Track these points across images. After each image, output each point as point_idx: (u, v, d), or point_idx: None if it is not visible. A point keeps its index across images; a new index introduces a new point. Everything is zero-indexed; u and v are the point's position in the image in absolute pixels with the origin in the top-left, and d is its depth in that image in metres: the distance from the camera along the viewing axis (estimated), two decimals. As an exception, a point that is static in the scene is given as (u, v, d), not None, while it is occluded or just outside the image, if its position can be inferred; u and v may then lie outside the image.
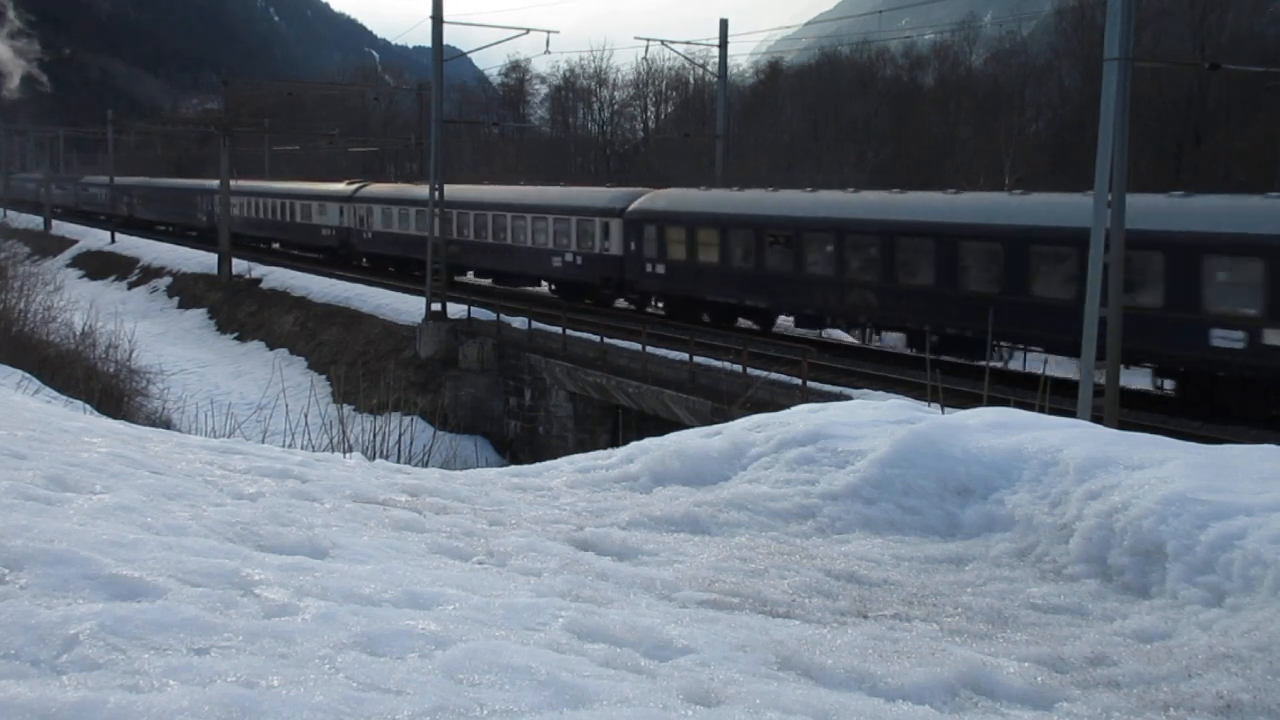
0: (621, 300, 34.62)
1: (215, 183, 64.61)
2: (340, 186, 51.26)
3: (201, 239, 64.06)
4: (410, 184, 51.06)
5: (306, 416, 12.87)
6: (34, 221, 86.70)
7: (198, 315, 49.75)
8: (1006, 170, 50.28)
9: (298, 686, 2.58)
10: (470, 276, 41.72)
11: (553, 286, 38.41)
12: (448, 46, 35.38)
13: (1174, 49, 49.44)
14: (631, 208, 32.52)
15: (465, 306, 33.85)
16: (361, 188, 49.53)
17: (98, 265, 64.95)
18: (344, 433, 12.41)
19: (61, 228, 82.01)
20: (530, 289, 39.32)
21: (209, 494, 4.96)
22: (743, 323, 30.70)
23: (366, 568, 3.93)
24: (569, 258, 35.17)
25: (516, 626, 3.36)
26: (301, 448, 10.52)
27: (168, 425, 18.31)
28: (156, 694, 2.45)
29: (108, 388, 22.44)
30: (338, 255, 49.54)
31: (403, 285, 41.41)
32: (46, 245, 73.66)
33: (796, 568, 4.61)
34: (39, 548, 3.26)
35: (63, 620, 2.79)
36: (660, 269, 31.38)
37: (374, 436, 12.25)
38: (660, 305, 33.11)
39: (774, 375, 21.93)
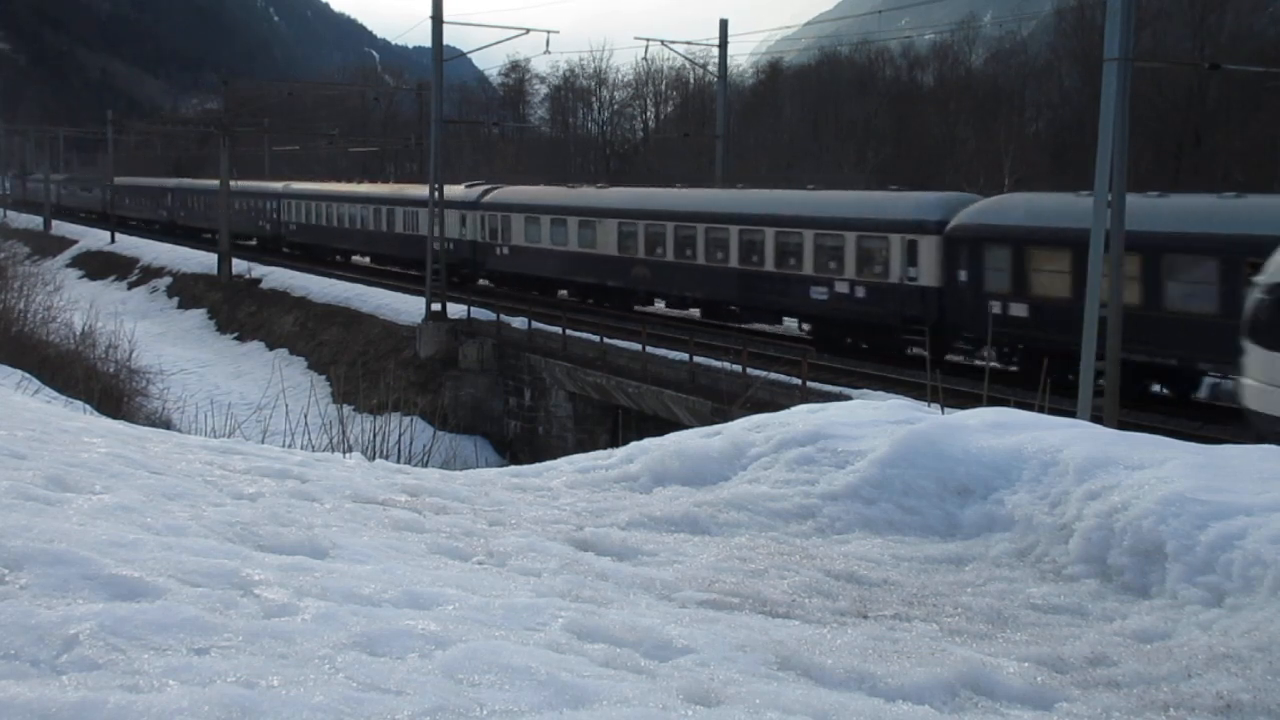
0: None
1: (279, 185, 59.14)
2: (458, 189, 41.32)
3: (263, 249, 57.13)
4: (561, 186, 41.03)
5: (306, 416, 12.86)
6: (34, 221, 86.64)
7: (197, 315, 49.79)
8: (1006, 171, 50.28)
9: (298, 686, 2.58)
10: (660, 306, 34.49)
11: (806, 326, 29.90)
12: (448, 46, 35.41)
13: (1174, 49, 49.45)
14: (958, 221, 24.21)
15: (465, 306, 33.85)
16: (490, 191, 40.74)
17: (97, 265, 65.00)
18: (344, 433, 12.42)
19: (61, 228, 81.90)
20: (762, 327, 30.46)
21: (209, 494, 4.96)
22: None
23: (366, 568, 3.93)
24: (842, 288, 26.64)
25: (516, 626, 3.36)
26: (301, 448, 10.52)
27: (168, 425, 18.31)
28: (156, 694, 2.45)
29: (108, 388, 22.45)
30: (455, 273, 38.54)
31: (402, 285, 41.37)
32: (46, 245, 73.66)
33: (796, 568, 4.61)
34: (39, 548, 3.26)
35: (62, 620, 2.79)
36: (1019, 309, 22.72)
37: (374, 436, 12.25)
38: (1013, 359, 23.79)
39: (774, 375, 21.94)
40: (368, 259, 51.99)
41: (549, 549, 4.61)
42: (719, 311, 31.43)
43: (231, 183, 54.38)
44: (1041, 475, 5.24)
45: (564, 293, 37.26)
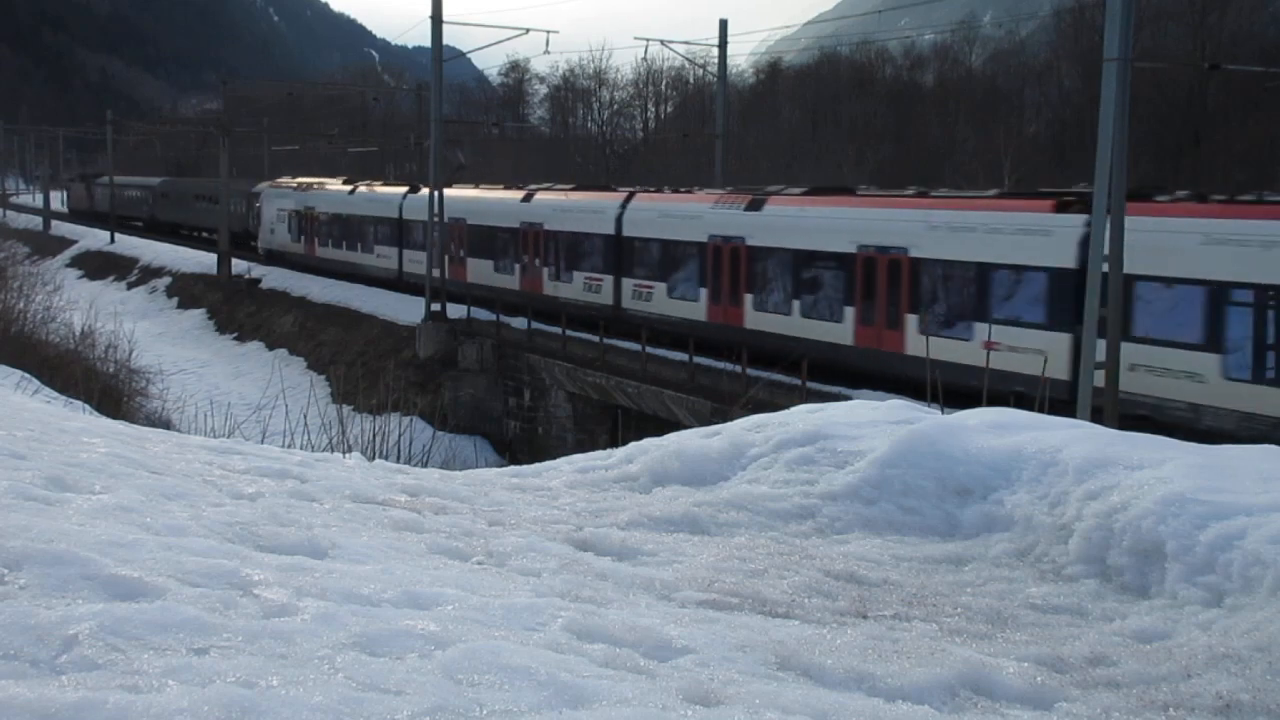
0: None
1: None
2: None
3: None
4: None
5: (306, 416, 12.84)
6: (33, 221, 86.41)
7: (197, 315, 49.77)
8: (1006, 171, 50.24)
9: (297, 687, 2.58)
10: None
11: None
12: (447, 46, 35.40)
13: (1174, 49, 49.43)
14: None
15: (465, 307, 33.81)
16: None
17: (97, 265, 64.97)
18: (343, 433, 12.41)
19: (61, 228, 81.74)
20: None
21: (208, 494, 4.95)
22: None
23: (366, 568, 3.93)
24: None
25: (516, 627, 3.36)
26: (301, 448, 10.51)
27: (167, 425, 18.29)
28: (156, 694, 2.45)
29: (107, 388, 22.41)
30: None
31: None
32: (46, 245, 73.57)
33: (796, 568, 4.61)
34: (38, 548, 3.26)
35: (62, 620, 2.79)
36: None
37: (373, 436, 12.23)
38: None
39: (774, 375, 21.93)
40: None
41: (549, 549, 4.60)
42: None
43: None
44: (1041, 475, 5.24)
45: None
